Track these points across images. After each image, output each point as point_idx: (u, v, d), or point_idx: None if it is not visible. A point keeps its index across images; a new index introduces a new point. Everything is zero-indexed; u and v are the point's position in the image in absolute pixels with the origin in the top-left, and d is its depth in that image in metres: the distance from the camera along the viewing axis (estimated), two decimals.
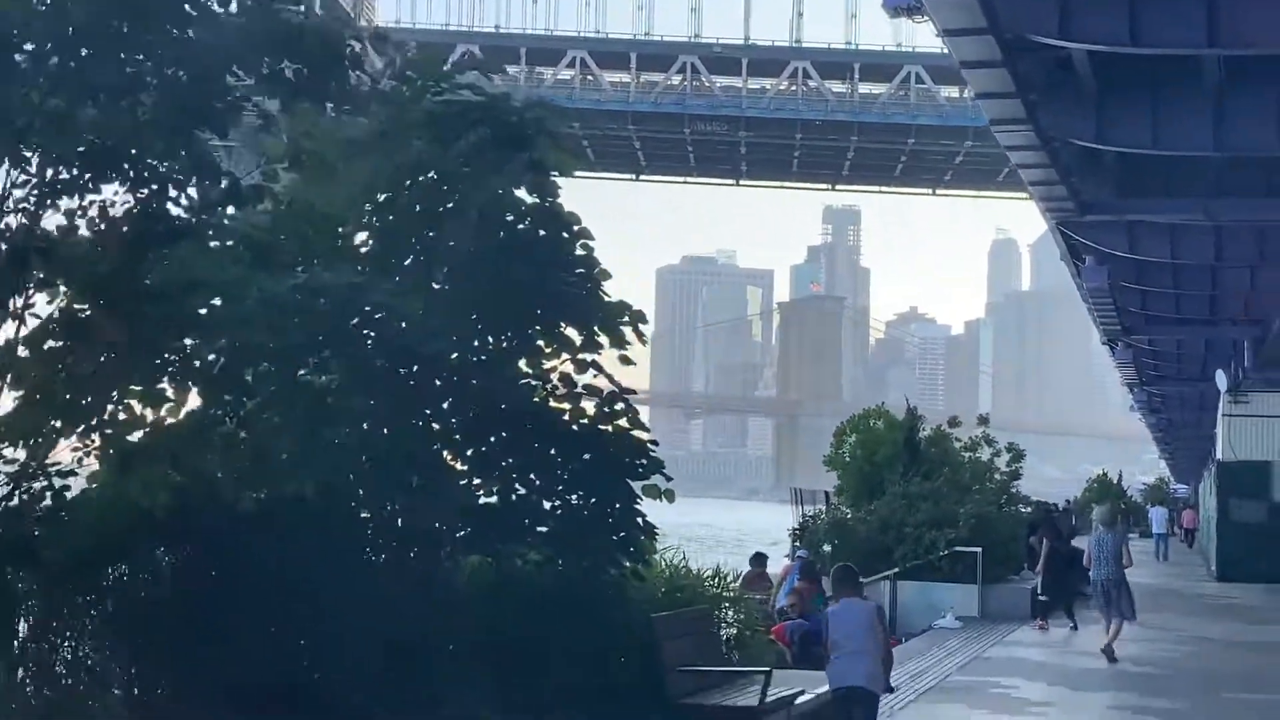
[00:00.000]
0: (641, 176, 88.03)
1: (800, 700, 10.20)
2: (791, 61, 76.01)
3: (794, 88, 76.33)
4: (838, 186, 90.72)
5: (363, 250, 9.15)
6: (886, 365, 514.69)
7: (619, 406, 9.56)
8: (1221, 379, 36.39)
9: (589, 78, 75.20)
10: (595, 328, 9.58)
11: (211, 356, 7.73)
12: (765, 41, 78.23)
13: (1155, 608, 25.85)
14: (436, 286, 9.38)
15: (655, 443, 9.65)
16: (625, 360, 9.73)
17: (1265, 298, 39.01)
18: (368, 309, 8.02)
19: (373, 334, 8.28)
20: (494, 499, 9.27)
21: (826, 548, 25.49)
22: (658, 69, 76.49)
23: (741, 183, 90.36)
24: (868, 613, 9.44)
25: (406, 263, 9.22)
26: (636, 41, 76.60)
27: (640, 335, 9.81)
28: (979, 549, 23.60)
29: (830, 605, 9.85)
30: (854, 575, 10.06)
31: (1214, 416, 38.10)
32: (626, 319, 9.74)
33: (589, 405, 9.62)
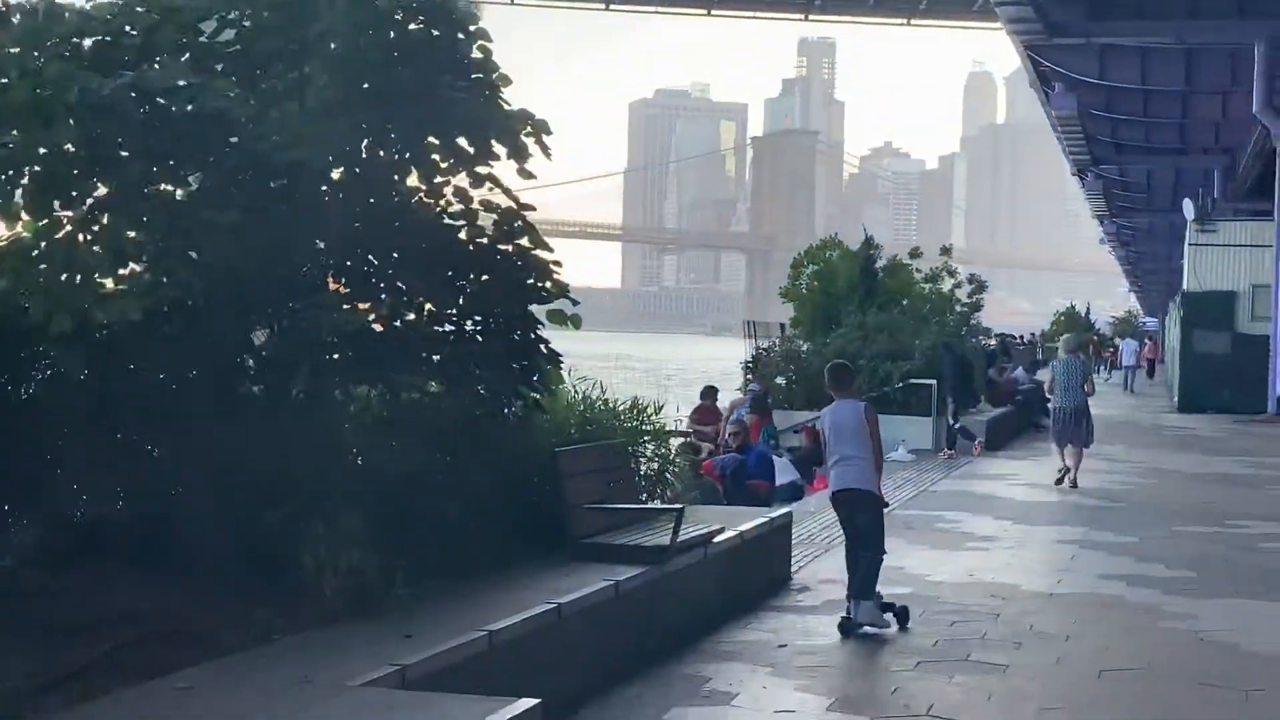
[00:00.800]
0: (611, 6, 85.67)
1: (720, 539, 9.61)
2: None
3: None
4: (811, 17, 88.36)
5: (228, 51, 8.22)
6: (860, 200, 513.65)
7: (518, 225, 8.74)
8: (1189, 207, 35.72)
9: None
10: (493, 138, 8.70)
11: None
12: None
13: (1113, 438, 25.56)
14: (319, 93, 8.46)
15: (559, 264, 8.84)
16: (524, 174, 8.86)
17: (1236, 125, 38.29)
18: (220, 114, 7.14)
19: (230, 141, 7.42)
20: (381, 325, 8.47)
21: (780, 380, 25.08)
22: None
23: (713, 12, 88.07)
24: (855, 414, 9.37)
25: (278, 66, 8.30)
26: None
27: (544, 148, 8.93)
28: (934, 381, 23.14)
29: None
30: (846, 374, 9.90)
31: (1184, 248, 37.57)
32: (529, 129, 8.87)
33: (488, 224, 8.82)
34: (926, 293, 29.89)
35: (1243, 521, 14.54)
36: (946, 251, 32.56)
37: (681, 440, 13.74)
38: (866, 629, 9.01)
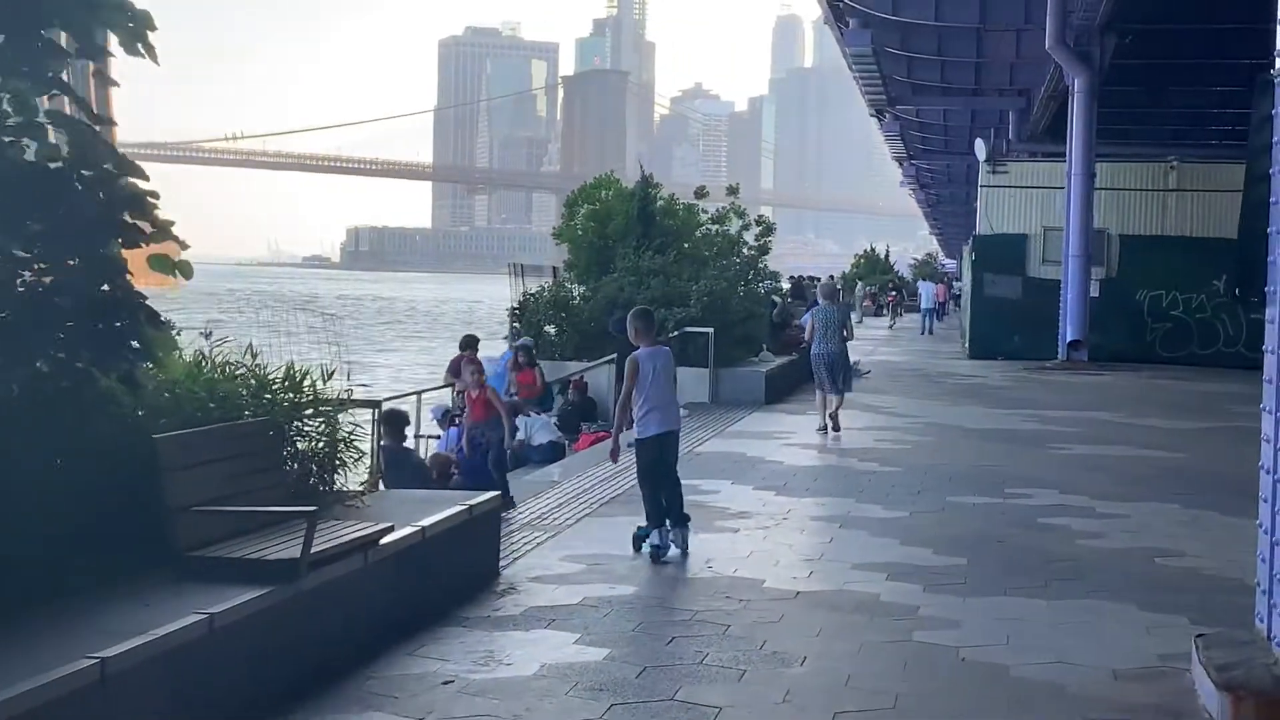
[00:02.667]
0: None
1: (389, 539, 7.73)
2: None
3: None
4: None
5: None
6: (671, 141, 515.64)
7: (102, 148, 6.68)
8: (980, 148, 34.82)
9: None
10: (67, 32, 6.63)
11: None
12: None
13: (898, 389, 24.48)
14: None
15: (156, 195, 6.80)
16: (105, 79, 6.79)
17: (1031, 65, 37.63)
18: None
19: None
20: None
21: (550, 329, 23.37)
22: None
23: None
24: (669, 359, 10.29)
25: None
26: None
27: (149, 48, 6.84)
28: (711, 329, 21.59)
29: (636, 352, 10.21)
30: (653, 319, 10.58)
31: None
32: (130, 20, 6.80)
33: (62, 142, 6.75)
34: (712, 235, 28.32)
35: (1024, 489, 13.21)
36: (734, 191, 30.96)
37: (380, 411, 11.77)
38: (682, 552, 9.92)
